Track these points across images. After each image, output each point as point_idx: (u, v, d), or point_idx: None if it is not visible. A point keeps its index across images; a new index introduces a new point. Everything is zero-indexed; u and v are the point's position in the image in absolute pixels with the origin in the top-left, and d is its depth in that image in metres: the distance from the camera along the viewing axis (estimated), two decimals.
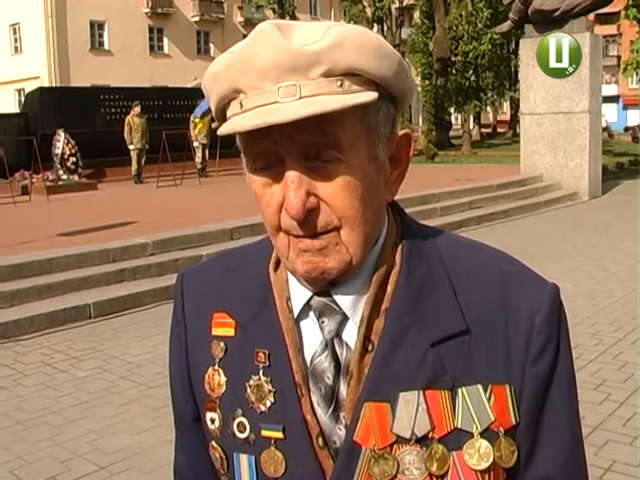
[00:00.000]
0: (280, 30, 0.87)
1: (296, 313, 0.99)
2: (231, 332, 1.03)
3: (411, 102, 1.03)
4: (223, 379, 1.03)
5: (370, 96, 0.87)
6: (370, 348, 0.95)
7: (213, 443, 1.05)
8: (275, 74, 0.85)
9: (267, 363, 0.99)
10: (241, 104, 0.89)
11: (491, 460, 0.93)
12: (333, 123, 0.86)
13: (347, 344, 0.96)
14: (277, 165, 0.89)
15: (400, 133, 0.97)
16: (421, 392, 0.93)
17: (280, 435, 0.97)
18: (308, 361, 0.98)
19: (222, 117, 0.94)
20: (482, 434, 0.93)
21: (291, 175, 0.88)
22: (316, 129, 0.86)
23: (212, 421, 1.04)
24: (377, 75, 0.89)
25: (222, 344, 1.03)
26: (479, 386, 0.93)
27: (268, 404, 0.98)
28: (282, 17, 34.45)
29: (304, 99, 0.85)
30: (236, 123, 0.88)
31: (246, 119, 0.87)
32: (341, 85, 0.86)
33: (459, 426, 0.93)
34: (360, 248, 0.92)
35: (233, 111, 0.90)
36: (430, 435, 0.92)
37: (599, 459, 4.15)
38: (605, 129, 48.71)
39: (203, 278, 1.12)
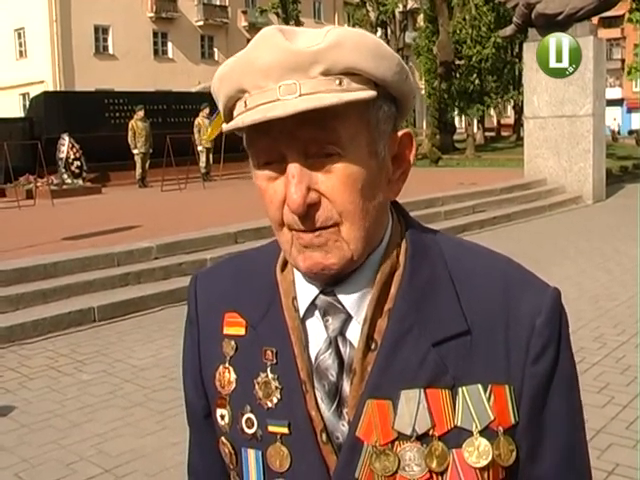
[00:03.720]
0: (283, 34, 0.90)
1: (302, 312, 1.01)
2: (242, 331, 1.06)
3: (414, 105, 1.05)
4: (233, 376, 1.05)
5: (367, 94, 0.90)
6: (373, 347, 0.97)
7: (223, 439, 1.07)
8: (277, 73, 0.89)
9: (274, 361, 1.01)
10: (245, 103, 0.92)
11: (490, 458, 0.94)
12: (333, 118, 0.89)
13: (351, 342, 0.99)
14: (279, 161, 0.92)
15: (401, 132, 0.99)
16: (422, 390, 0.95)
17: (286, 430, 1.00)
18: (313, 358, 1.00)
19: (230, 117, 0.97)
20: (481, 433, 0.94)
21: (292, 170, 0.91)
22: (316, 124, 0.89)
23: (222, 417, 1.07)
24: (375, 75, 0.91)
25: (233, 343, 1.06)
26: (479, 386, 0.95)
27: (275, 400, 1.01)
28: (286, 21, 34.49)
29: (303, 96, 0.88)
30: (238, 120, 0.92)
31: (247, 116, 0.90)
32: (340, 83, 0.89)
33: (459, 424, 0.94)
34: (361, 244, 0.94)
35: (238, 110, 0.93)
36: (430, 432, 0.94)
37: (602, 462, 4.15)
38: (617, 132, 48.93)
39: (215, 280, 1.15)
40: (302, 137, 0.90)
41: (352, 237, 0.93)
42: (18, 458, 4.55)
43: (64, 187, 17.45)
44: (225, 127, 0.94)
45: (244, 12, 49.92)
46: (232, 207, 12.52)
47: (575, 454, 1.01)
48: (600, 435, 4.54)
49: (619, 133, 48.53)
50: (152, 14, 45.17)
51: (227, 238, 10.12)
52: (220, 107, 0.98)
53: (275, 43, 0.89)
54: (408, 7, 42.95)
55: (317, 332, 1.01)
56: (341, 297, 0.99)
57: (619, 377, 5.60)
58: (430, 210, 13.18)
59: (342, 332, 0.99)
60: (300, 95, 0.88)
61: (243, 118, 0.90)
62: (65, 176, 17.75)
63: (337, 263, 0.94)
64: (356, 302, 0.98)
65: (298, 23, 34.76)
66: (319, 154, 0.91)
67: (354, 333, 0.99)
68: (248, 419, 1.03)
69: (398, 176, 1.01)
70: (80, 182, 18.04)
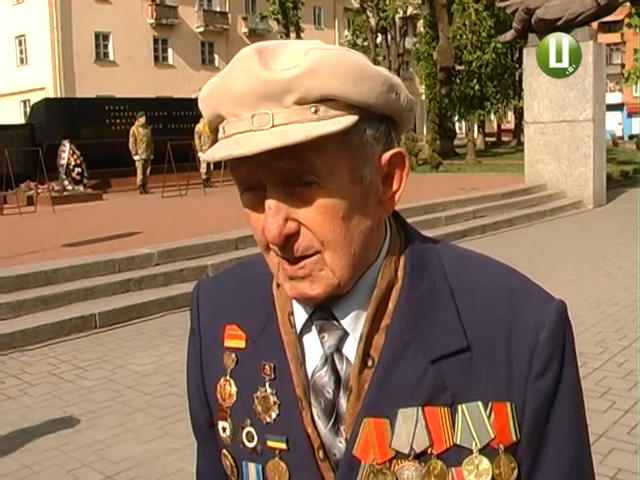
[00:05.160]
0: (260, 55, 0.87)
1: (299, 328, 1.00)
2: (242, 344, 1.05)
3: (412, 119, 1.02)
4: (234, 389, 1.04)
5: (343, 123, 0.86)
6: (370, 364, 0.95)
7: (224, 451, 1.07)
8: (250, 102, 0.86)
9: (272, 376, 1.00)
10: (224, 130, 0.90)
11: (490, 477, 0.92)
12: (308, 151, 0.85)
13: (347, 359, 0.97)
14: (260, 188, 0.90)
15: (390, 153, 0.94)
16: (420, 408, 0.93)
17: (284, 446, 0.99)
18: (310, 375, 0.99)
19: (217, 137, 0.96)
20: (481, 451, 0.92)
21: (268, 202, 0.89)
22: (291, 157, 0.85)
23: (223, 430, 1.06)
24: (354, 99, 0.87)
25: (233, 355, 1.05)
26: (479, 403, 0.93)
27: (273, 415, 1.00)
28: (286, 27, 34.53)
29: (276, 128, 0.85)
30: (211, 152, 0.89)
31: (219, 149, 0.88)
32: (316, 112, 0.86)
33: (458, 442, 0.92)
34: (347, 270, 0.92)
35: (220, 135, 0.92)
36: (429, 451, 0.92)
37: (604, 467, 4.14)
38: (621, 138, 48.90)
39: (218, 289, 1.13)
40: (278, 169, 0.87)
41: (336, 265, 0.91)
42: (20, 464, 4.55)
43: (65, 193, 17.46)
44: (202, 157, 0.94)
45: (244, 18, 50.01)
46: (233, 213, 12.48)
47: (579, 471, 0.99)
48: (602, 440, 4.53)
49: (622, 138, 48.51)
50: (152, 20, 45.27)
51: (228, 244, 10.13)
52: (207, 126, 0.98)
53: (249, 68, 0.86)
54: (408, 13, 42.98)
55: (314, 348, 0.99)
56: (337, 313, 0.97)
57: (621, 382, 5.60)
58: (431, 215, 13.18)
59: (339, 348, 0.97)
60: (272, 126, 0.85)
61: (214, 152, 0.88)
62: (66, 182, 17.76)
63: (323, 292, 0.92)
64: (352, 318, 0.96)
65: (298, 29, 34.82)
66: (297, 184, 0.88)
67: (351, 349, 0.97)
68: (248, 433, 1.02)
69: (390, 195, 0.96)
70: (81, 188, 18.06)
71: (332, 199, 0.89)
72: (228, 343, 1.06)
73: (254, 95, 0.86)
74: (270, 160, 0.86)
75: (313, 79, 0.85)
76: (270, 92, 0.85)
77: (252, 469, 1.03)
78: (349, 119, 0.87)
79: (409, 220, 1.05)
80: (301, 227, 0.90)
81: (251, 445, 1.02)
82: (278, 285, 1.03)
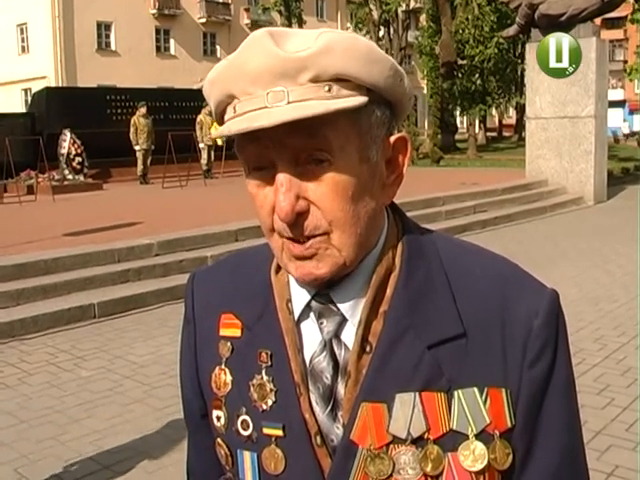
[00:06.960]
0: (273, 37, 0.88)
1: (297, 314, 1.00)
2: (237, 333, 1.05)
3: (410, 107, 1.04)
4: (229, 378, 1.05)
5: (356, 101, 0.89)
6: (368, 349, 0.96)
7: (219, 440, 1.07)
8: (265, 80, 0.87)
9: (269, 363, 1.01)
10: (234, 109, 0.91)
11: (486, 462, 0.93)
12: (322, 125, 0.88)
13: (345, 345, 0.98)
14: (270, 168, 0.91)
15: (395, 137, 0.98)
16: (417, 394, 0.94)
17: (280, 433, 0.99)
18: (308, 361, 0.99)
19: (221, 121, 0.96)
20: (477, 436, 0.93)
21: (280, 179, 0.90)
22: (305, 132, 0.88)
23: (218, 419, 1.06)
24: (366, 80, 0.90)
25: (229, 344, 1.05)
26: (475, 389, 0.94)
27: (270, 403, 1.00)
28: (288, 19, 34.47)
29: (292, 104, 0.87)
30: (226, 127, 0.91)
31: (235, 123, 0.89)
32: (329, 90, 0.88)
33: (454, 428, 0.93)
34: (353, 250, 0.94)
35: (228, 115, 0.93)
36: (425, 436, 0.93)
37: (601, 464, 4.14)
38: (630, 134, 48.76)
39: (213, 279, 1.14)
40: (292, 145, 0.88)
41: (343, 244, 0.92)
42: (17, 454, 4.55)
43: (65, 183, 17.46)
44: (214, 134, 0.94)
45: (247, 9, 49.93)
46: (233, 205, 12.49)
47: (572, 458, 1.00)
48: (600, 437, 4.53)
49: (634, 135, 48.33)
50: (155, 11, 45.18)
51: (227, 236, 10.13)
52: (212, 110, 0.98)
53: (264, 48, 0.87)
54: (411, 6, 43.00)
55: (312, 334, 1.00)
56: (336, 299, 0.98)
57: (619, 379, 5.60)
58: (431, 210, 13.18)
59: (337, 334, 0.98)
60: (288, 102, 0.87)
61: (230, 126, 0.90)
62: (66, 172, 17.75)
63: (329, 272, 0.93)
64: (351, 304, 0.98)
65: (300, 21, 34.74)
66: (309, 161, 0.90)
67: (349, 336, 0.98)
68: (243, 421, 1.02)
69: (392, 180, 0.99)
70: (81, 178, 18.04)
71: (342, 176, 0.91)
72: (224, 332, 1.06)
73: (270, 73, 0.87)
74: (284, 136, 0.88)
75: (328, 58, 0.87)
76: (286, 70, 0.87)
77: (247, 457, 1.03)
78: (361, 99, 0.90)
79: (409, 214, 1.06)
80: (311, 206, 0.91)
81: (246, 433, 1.02)
82: (277, 272, 1.05)
